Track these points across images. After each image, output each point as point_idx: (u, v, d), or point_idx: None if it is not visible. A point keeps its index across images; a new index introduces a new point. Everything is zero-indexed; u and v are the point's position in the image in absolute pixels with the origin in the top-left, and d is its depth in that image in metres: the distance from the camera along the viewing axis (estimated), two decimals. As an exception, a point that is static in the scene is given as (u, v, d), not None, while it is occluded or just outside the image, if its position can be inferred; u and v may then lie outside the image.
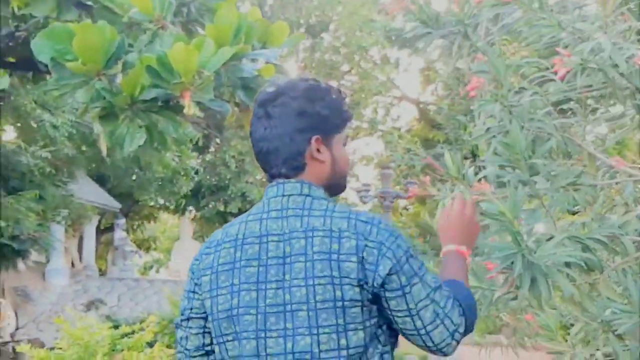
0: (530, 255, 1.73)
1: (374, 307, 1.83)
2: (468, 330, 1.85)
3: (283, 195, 1.90)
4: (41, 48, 3.24)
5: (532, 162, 1.80)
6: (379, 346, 1.84)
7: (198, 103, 3.14)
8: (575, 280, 1.95)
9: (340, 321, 1.78)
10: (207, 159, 18.62)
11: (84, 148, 10.39)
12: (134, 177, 12.96)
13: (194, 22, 3.93)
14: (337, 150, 1.97)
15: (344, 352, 1.77)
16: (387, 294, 1.80)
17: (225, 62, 3.27)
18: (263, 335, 1.81)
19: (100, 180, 16.55)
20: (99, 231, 20.87)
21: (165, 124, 3.25)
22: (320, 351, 1.77)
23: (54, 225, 13.68)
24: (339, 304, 1.77)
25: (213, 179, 17.70)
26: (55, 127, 9.37)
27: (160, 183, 14.14)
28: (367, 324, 1.80)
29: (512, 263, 1.78)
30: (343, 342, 1.77)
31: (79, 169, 10.58)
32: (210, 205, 17.86)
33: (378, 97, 25.09)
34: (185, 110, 3.06)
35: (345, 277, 1.77)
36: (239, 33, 3.38)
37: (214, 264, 1.90)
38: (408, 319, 1.81)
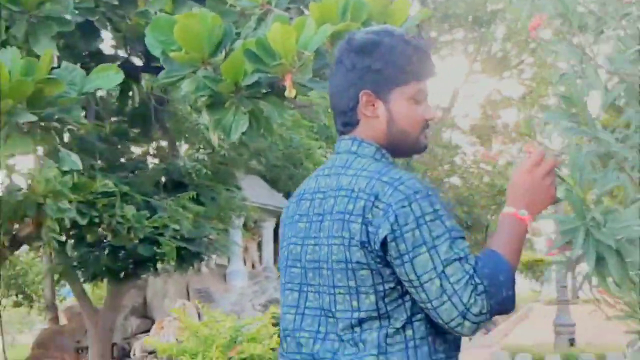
0: (597, 229, 1.42)
1: (387, 271, 1.70)
2: (494, 310, 1.64)
3: (337, 153, 1.90)
4: (152, 42, 3.27)
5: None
6: (404, 314, 1.71)
7: (302, 85, 3.04)
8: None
9: (352, 283, 1.72)
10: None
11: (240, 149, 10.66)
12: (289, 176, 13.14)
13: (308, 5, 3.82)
14: (396, 106, 1.85)
15: (356, 314, 1.72)
16: (391, 260, 1.68)
17: (330, 41, 3.16)
18: (305, 289, 1.83)
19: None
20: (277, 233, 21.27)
21: (270, 110, 3.18)
22: (337, 310, 1.74)
23: (233, 229, 14.15)
24: (350, 265, 1.71)
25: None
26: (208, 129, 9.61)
27: None
28: (380, 288, 1.71)
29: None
30: (355, 304, 1.72)
31: (239, 169, 10.86)
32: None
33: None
34: (286, 93, 2.97)
35: (352, 238, 1.70)
36: (345, 11, 3.24)
37: (285, 217, 1.96)
38: (413, 290, 1.68)
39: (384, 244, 1.67)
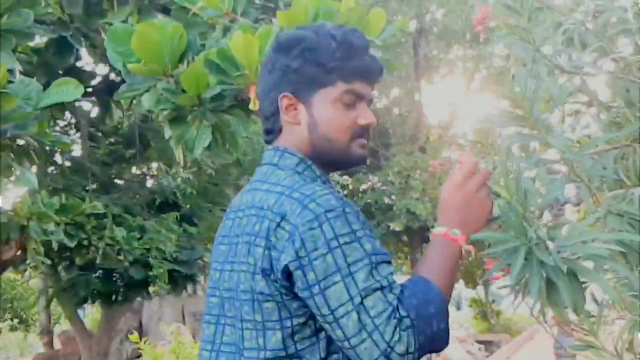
0: (540, 248, 1.21)
1: (295, 304, 1.47)
2: (423, 348, 1.40)
3: (260, 165, 1.68)
4: (111, 54, 3.10)
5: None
6: (317, 355, 1.47)
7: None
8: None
9: (258, 317, 1.49)
10: (377, 177, 18.39)
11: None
12: None
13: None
14: (319, 110, 1.62)
15: (262, 354, 1.48)
16: (299, 292, 1.45)
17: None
18: (222, 321, 1.60)
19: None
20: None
21: (235, 123, 2.99)
22: (244, 348, 1.52)
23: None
24: (255, 296, 1.49)
25: (383, 198, 17.43)
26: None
27: None
28: (287, 323, 1.47)
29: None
30: (261, 341, 1.49)
31: (229, 188, 10.65)
32: (383, 225, 17.60)
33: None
34: (250, 106, 2.79)
35: (255, 264, 1.48)
36: (315, 19, 3.07)
37: (215, 238, 1.75)
38: (327, 326, 1.44)
39: (288, 272, 1.45)
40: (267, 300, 1.48)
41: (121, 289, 10.45)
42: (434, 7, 18.39)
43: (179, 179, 10.00)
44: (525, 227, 1.21)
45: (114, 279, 10.28)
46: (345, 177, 18.83)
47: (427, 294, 1.43)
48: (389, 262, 1.47)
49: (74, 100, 5.34)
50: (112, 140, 12.04)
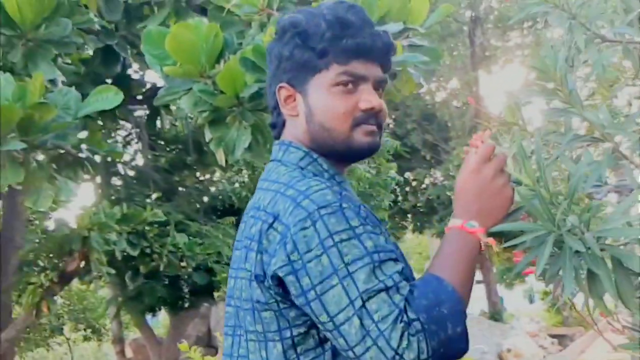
0: (572, 236, 1.05)
1: (293, 313, 1.34)
2: (437, 354, 1.24)
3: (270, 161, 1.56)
4: (148, 58, 3.04)
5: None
6: None
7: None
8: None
9: (259, 327, 1.38)
10: (439, 172, 18.14)
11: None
12: None
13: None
14: (315, 97, 1.49)
15: None
16: (294, 299, 1.32)
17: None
18: (238, 332, 1.48)
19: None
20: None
21: (275, 122, 2.89)
22: None
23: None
24: (254, 305, 1.38)
25: (445, 192, 17.16)
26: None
27: (359, 197, 13.69)
28: (287, 334, 1.35)
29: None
30: (263, 353, 1.38)
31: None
32: (446, 220, 17.27)
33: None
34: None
35: (251, 271, 1.36)
36: (354, 10, 2.95)
37: None
38: (329, 334, 1.29)
39: (280, 279, 1.33)
40: (265, 310, 1.37)
41: (187, 296, 10.49)
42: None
43: (235, 183, 9.99)
44: (552, 214, 1.07)
45: (179, 285, 10.33)
46: (407, 173, 18.63)
47: (440, 294, 1.28)
48: (396, 260, 1.32)
49: (114, 108, 5.35)
50: (172, 147, 12.15)
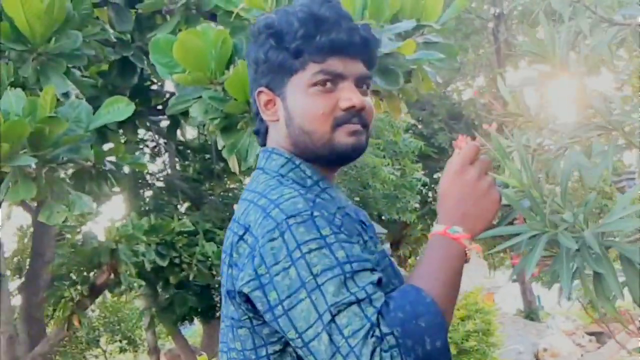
0: (567, 234, 0.97)
1: (266, 330, 1.28)
2: None
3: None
4: (158, 67, 3.00)
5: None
6: None
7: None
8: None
9: (238, 345, 1.32)
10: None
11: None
12: (357, 198, 12.71)
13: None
14: (292, 100, 1.42)
15: None
16: (263, 315, 1.26)
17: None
18: (225, 349, 1.41)
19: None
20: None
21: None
22: None
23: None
24: (231, 322, 1.33)
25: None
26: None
27: (385, 199, 13.47)
28: (262, 352, 1.29)
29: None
30: None
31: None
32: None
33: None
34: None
35: (224, 286, 1.32)
36: (364, 8, 2.88)
37: None
38: (300, 352, 1.22)
39: (247, 294, 1.27)
40: (240, 327, 1.31)
41: (218, 304, 10.46)
42: (512, -10, 17.91)
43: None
44: (543, 213, 0.99)
45: (210, 294, 10.31)
46: (437, 174, 18.48)
47: (417, 306, 1.19)
48: (373, 270, 1.24)
49: (133, 119, 5.32)
50: (200, 156, 12.15)
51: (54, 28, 3.31)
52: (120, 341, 16.81)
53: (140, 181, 12.57)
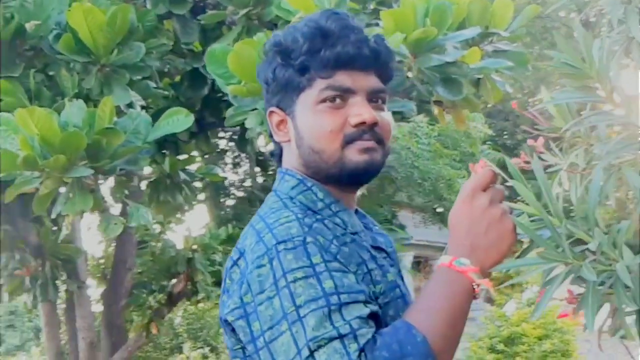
0: (588, 266, 0.84)
1: None
2: None
3: None
4: (216, 78, 2.97)
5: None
6: None
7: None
8: None
9: None
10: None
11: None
12: (440, 209, 12.45)
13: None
14: (301, 118, 1.33)
15: None
16: (245, 345, 1.18)
17: (412, 54, 2.71)
18: None
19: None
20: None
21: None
22: None
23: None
24: (229, 351, 1.26)
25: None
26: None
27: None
28: None
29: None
30: None
31: (386, 205, 10.31)
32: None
33: None
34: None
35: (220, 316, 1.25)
36: (426, 17, 2.77)
37: None
38: None
39: (231, 322, 1.20)
40: (235, 356, 1.23)
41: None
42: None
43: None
44: (561, 242, 0.86)
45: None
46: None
47: (405, 345, 1.08)
48: (367, 302, 1.14)
49: (206, 131, 5.32)
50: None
51: (117, 40, 3.33)
52: (203, 348, 17.00)
53: (222, 192, 12.68)
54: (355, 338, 1.08)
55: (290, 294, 1.11)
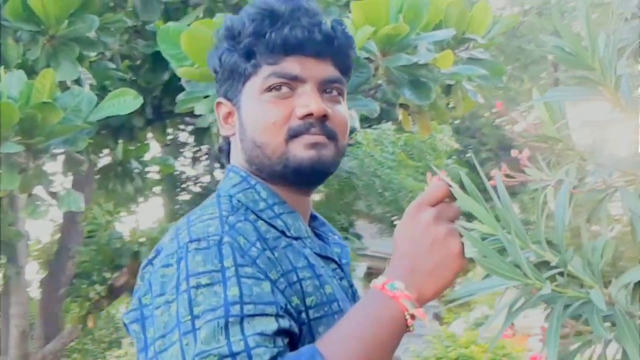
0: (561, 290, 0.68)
1: None
2: None
3: None
4: (167, 58, 2.75)
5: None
6: None
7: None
8: None
9: None
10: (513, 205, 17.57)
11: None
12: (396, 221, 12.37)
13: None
14: (245, 108, 1.18)
15: None
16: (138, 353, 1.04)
17: (379, 49, 2.53)
18: None
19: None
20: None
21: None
22: None
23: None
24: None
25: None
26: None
27: None
28: None
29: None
30: None
31: (344, 214, 10.19)
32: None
33: None
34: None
35: None
36: (398, 12, 2.59)
37: None
38: None
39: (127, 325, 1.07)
40: None
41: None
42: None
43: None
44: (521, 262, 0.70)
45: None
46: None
47: None
48: (279, 316, 0.98)
49: (165, 119, 5.07)
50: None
51: (69, 10, 3.09)
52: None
53: (179, 186, 12.42)
54: (249, 358, 0.92)
55: (190, 300, 0.96)
